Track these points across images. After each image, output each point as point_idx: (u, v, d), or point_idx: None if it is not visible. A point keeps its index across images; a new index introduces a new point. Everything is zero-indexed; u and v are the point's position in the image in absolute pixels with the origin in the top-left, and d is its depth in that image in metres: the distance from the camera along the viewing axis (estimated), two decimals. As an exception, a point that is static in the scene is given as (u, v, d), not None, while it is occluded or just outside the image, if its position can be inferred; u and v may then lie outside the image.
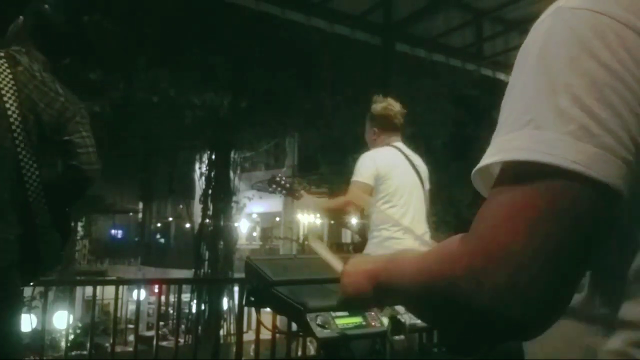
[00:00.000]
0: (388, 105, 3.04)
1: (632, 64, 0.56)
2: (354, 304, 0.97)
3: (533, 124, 0.56)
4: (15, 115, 1.83)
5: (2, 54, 1.92)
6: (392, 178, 2.91)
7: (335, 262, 1.16)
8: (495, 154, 0.59)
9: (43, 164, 1.90)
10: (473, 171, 0.63)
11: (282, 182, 2.99)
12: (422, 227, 2.96)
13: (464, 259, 0.56)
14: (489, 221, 0.57)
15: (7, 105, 1.82)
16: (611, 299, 0.60)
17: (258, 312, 1.43)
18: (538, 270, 0.53)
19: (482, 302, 0.55)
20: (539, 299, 0.54)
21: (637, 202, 0.57)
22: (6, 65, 1.88)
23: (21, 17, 2.05)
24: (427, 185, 3.09)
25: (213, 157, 11.18)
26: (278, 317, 2.44)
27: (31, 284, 2.03)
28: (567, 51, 0.58)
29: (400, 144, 3.05)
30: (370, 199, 2.92)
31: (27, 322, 4.04)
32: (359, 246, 3.27)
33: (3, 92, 1.83)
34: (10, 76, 1.86)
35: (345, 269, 1.00)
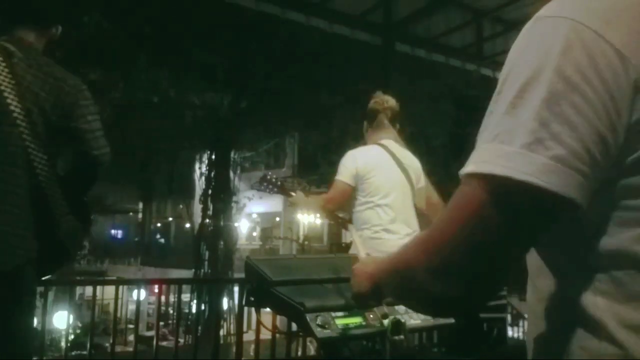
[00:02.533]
0: (378, 99, 2.97)
1: (595, 77, 0.57)
2: (361, 300, 1.14)
3: (498, 139, 0.61)
4: (18, 110, 1.80)
5: None
6: (373, 177, 2.85)
7: (361, 249, 1.38)
8: (467, 165, 0.63)
9: (54, 153, 1.89)
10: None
11: (273, 180, 2.97)
12: (408, 227, 2.88)
13: (421, 248, 0.69)
14: (443, 215, 0.66)
15: (9, 101, 1.79)
16: (609, 303, 0.61)
17: (258, 312, 1.42)
18: (461, 263, 0.63)
19: (428, 286, 0.67)
20: (466, 290, 0.65)
21: (616, 208, 0.61)
22: (1, 59, 1.82)
23: None
24: (421, 184, 3.02)
25: (213, 157, 11.17)
26: (278, 317, 2.44)
27: (50, 275, 2.04)
28: (533, 64, 0.61)
29: (388, 142, 2.95)
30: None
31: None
32: (349, 246, 3.27)
33: (2, 87, 1.79)
34: (7, 70, 1.81)
35: (354, 268, 1.14)
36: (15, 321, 1.80)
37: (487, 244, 0.61)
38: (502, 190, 0.59)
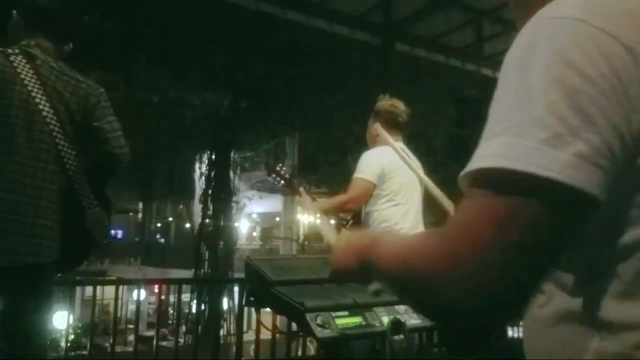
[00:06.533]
0: (393, 102, 3.08)
1: (608, 71, 0.57)
2: (342, 277, 1.00)
3: (509, 132, 0.57)
4: (47, 109, 1.90)
5: (16, 51, 1.95)
6: (396, 177, 2.92)
7: (331, 236, 1.21)
8: (473, 162, 0.59)
9: (80, 150, 1.99)
10: (459, 178, 0.63)
11: (282, 172, 2.94)
12: (420, 227, 2.98)
13: (436, 259, 0.59)
14: (460, 224, 0.59)
15: (37, 100, 1.89)
16: (610, 301, 0.60)
17: (258, 312, 1.42)
18: (499, 272, 0.55)
19: (445, 300, 0.58)
20: (498, 300, 0.57)
21: (627, 205, 0.58)
22: (25, 61, 1.92)
23: (14, 11, 2.05)
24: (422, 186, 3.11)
25: (213, 157, 11.17)
26: (278, 317, 2.44)
27: (80, 266, 2.12)
28: (545, 60, 0.59)
29: (401, 144, 3.05)
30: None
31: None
32: None
33: (29, 87, 1.89)
34: (32, 71, 1.91)
35: (335, 243, 1.05)
36: (33, 317, 1.88)
37: (516, 248, 0.55)
38: (523, 187, 0.54)
